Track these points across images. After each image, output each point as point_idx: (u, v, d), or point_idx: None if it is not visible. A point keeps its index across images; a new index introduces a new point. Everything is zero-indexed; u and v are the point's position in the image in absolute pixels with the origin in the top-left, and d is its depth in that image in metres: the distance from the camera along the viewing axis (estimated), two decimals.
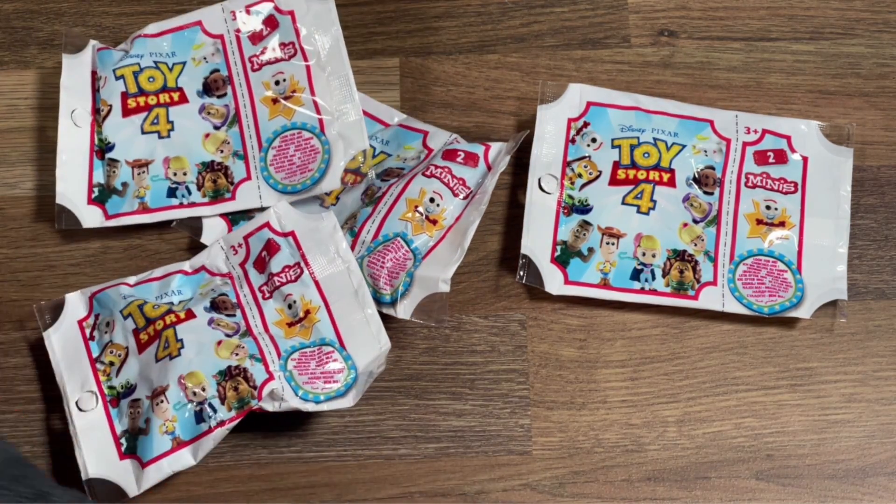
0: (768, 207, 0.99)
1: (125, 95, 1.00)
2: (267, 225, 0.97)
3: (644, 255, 0.98)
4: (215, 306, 0.95)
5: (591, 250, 0.98)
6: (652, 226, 0.98)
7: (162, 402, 0.92)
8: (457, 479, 0.95)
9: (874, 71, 1.03)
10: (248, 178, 1.00)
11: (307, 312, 0.95)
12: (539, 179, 0.99)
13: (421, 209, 0.97)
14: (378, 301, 0.95)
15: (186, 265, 0.98)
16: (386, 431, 0.96)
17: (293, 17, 1.01)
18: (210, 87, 1.01)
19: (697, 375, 0.97)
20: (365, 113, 1.01)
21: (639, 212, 0.99)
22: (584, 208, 0.99)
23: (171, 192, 0.99)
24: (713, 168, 1.00)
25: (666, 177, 1.00)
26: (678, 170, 1.00)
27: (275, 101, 1.00)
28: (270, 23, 1.02)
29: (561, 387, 0.97)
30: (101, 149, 1.00)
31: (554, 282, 0.97)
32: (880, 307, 0.99)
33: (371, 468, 0.95)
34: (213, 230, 0.99)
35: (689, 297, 0.97)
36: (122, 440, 0.93)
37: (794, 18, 1.05)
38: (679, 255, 0.98)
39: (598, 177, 1.00)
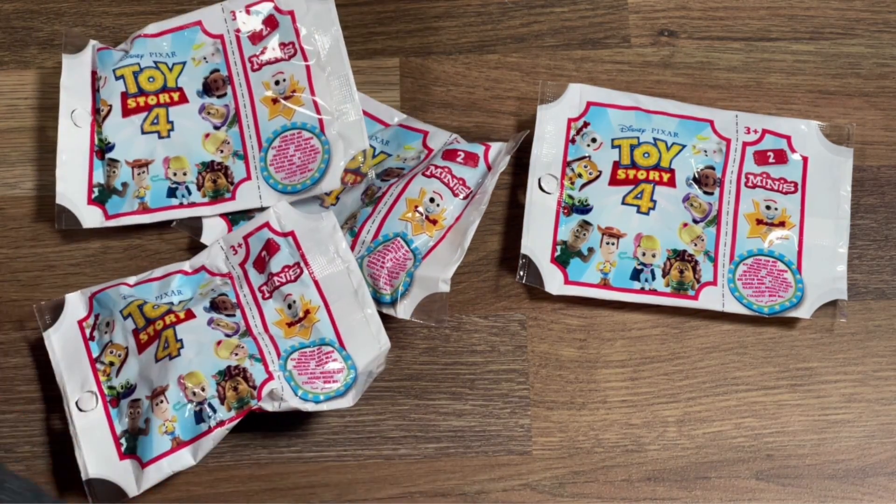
0: (768, 207, 0.99)
1: (125, 95, 1.00)
2: (267, 225, 0.97)
3: (644, 255, 0.98)
4: (215, 306, 0.95)
5: (591, 250, 0.98)
6: (652, 226, 0.98)
7: (162, 402, 0.92)
8: (457, 479, 0.95)
9: (874, 71, 1.03)
10: (248, 178, 1.00)
11: (307, 312, 0.95)
12: (539, 179, 0.99)
13: (421, 209, 0.97)
14: (378, 301, 0.95)
15: (186, 265, 0.98)
16: (386, 431, 0.96)
17: (293, 17, 1.01)
18: (210, 87, 1.01)
19: (697, 375, 0.97)
20: (365, 113, 1.01)
21: (639, 212, 0.99)
22: (584, 208, 0.99)
23: (171, 192, 0.99)
24: (713, 168, 1.00)
25: (666, 177, 1.00)
26: (678, 170, 1.00)
27: (275, 101, 1.00)
28: (270, 23, 1.02)
29: (561, 387, 0.97)
30: (101, 149, 1.00)
31: (554, 282, 0.97)
32: (880, 307, 0.99)
33: (371, 468, 0.95)
34: (213, 230, 0.99)
35: (689, 297, 0.97)
36: (122, 440, 0.93)
37: (794, 18, 1.05)
38: (679, 255, 0.98)
39: (598, 177, 1.00)
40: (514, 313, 0.98)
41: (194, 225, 0.99)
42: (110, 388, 0.94)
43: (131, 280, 0.97)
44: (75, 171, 0.99)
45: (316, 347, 0.94)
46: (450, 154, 0.99)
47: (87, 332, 0.96)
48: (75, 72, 1.01)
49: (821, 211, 0.99)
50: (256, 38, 1.02)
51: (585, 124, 1.01)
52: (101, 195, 0.99)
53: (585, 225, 0.99)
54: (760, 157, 1.00)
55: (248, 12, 1.02)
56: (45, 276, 0.99)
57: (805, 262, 0.98)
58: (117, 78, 1.00)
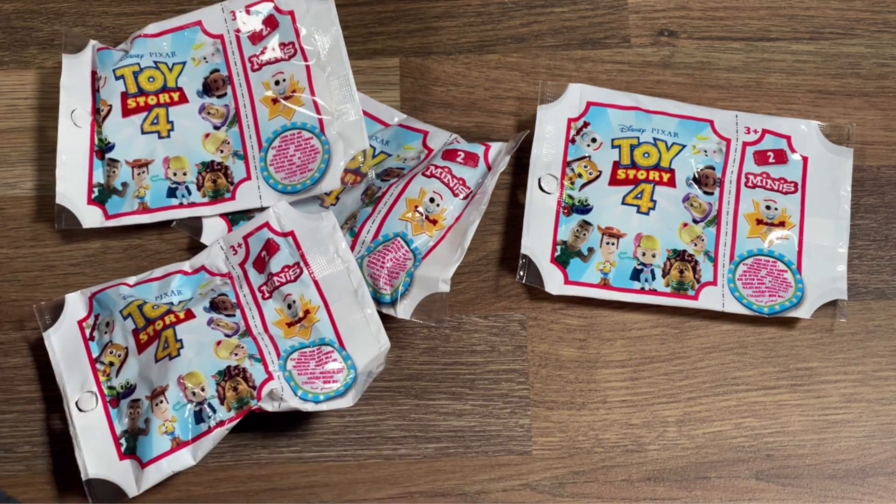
0: (768, 207, 0.99)
1: (125, 95, 1.00)
2: (266, 225, 0.97)
3: (644, 255, 0.98)
4: (215, 306, 0.95)
5: (591, 250, 0.98)
6: (652, 226, 0.98)
7: (161, 402, 0.92)
8: (457, 479, 0.95)
9: (874, 71, 1.03)
10: (248, 178, 1.00)
11: (307, 312, 0.95)
12: (539, 179, 0.99)
13: (421, 209, 0.97)
14: (378, 301, 0.95)
15: (186, 265, 0.98)
16: (386, 431, 0.96)
17: (293, 17, 1.01)
18: (210, 87, 1.01)
19: (697, 375, 0.97)
20: (365, 113, 1.01)
21: (639, 212, 0.99)
22: (584, 208, 0.99)
23: (171, 192, 0.99)
24: (713, 168, 1.00)
25: (666, 177, 1.00)
26: (678, 170, 1.00)
27: (275, 101, 1.00)
28: (270, 23, 1.02)
29: (561, 387, 0.97)
30: (101, 149, 1.00)
31: (554, 282, 0.97)
32: (880, 307, 0.99)
33: (371, 468, 0.95)
34: (213, 230, 0.99)
35: (689, 297, 0.97)
36: (122, 440, 0.93)
37: (794, 18, 1.05)
38: (679, 255, 0.98)
39: (598, 177, 1.00)
40: (514, 313, 0.98)
41: (194, 225, 0.99)
42: (110, 388, 0.94)
43: (131, 280, 0.97)
44: (75, 171, 0.99)
45: (316, 347, 0.94)
46: (450, 154, 0.99)
47: (87, 332, 0.96)
48: (75, 72, 1.01)
49: (821, 211, 0.99)
50: (256, 38, 1.02)
51: (585, 124, 1.01)
52: (101, 195, 0.99)
53: (585, 225, 0.99)
54: (760, 157, 1.00)
55: (248, 12, 1.02)
56: (45, 276, 0.99)
57: (805, 262, 0.98)
58: (117, 78, 1.00)
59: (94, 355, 0.95)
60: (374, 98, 1.03)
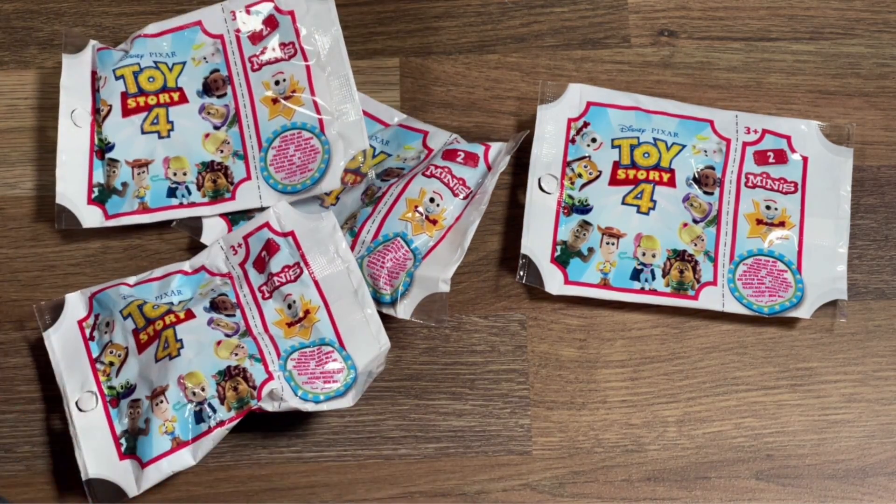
0: (768, 207, 0.99)
1: (125, 95, 1.00)
2: (266, 225, 0.97)
3: (644, 255, 0.98)
4: (215, 306, 0.95)
5: (591, 250, 0.98)
6: (652, 226, 0.98)
7: (161, 402, 0.92)
8: (457, 479, 0.95)
9: (874, 71, 1.03)
10: (248, 178, 1.00)
11: (307, 312, 0.95)
12: (539, 179, 0.99)
13: (421, 209, 0.97)
14: (378, 301, 0.95)
15: (186, 265, 0.98)
16: (386, 431, 0.96)
17: (293, 17, 1.01)
18: (210, 87, 1.01)
19: (697, 375, 0.97)
20: (365, 113, 1.01)
21: (639, 212, 0.99)
22: (584, 208, 0.99)
23: (171, 192, 0.99)
24: (713, 168, 1.00)
25: (666, 177, 1.00)
26: (678, 170, 1.00)
27: (275, 101, 1.00)
28: (270, 23, 1.02)
29: (561, 387, 0.97)
30: (101, 149, 1.00)
31: (554, 282, 0.97)
32: (880, 307, 0.99)
33: (371, 468, 0.95)
34: (213, 230, 0.99)
35: (689, 297, 0.97)
36: (122, 440, 0.93)
37: (794, 18, 1.05)
38: (679, 255, 0.98)
39: (598, 177, 1.00)
40: (514, 313, 0.98)
41: (194, 225, 0.99)
42: (110, 388, 0.94)
43: (131, 280, 0.97)
44: (75, 171, 0.99)
45: (316, 347, 0.94)
46: (450, 154, 0.99)
47: (87, 332, 0.96)
48: (75, 72, 1.01)
49: (821, 211, 0.99)
50: (256, 38, 1.02)
51: (585, 124, 1.01)
52: (101, 195, 0.99)
53: (585, 225, 0.99)
54: (760, 157, 1.00)
55: (248, 12, 1.02)
56: (45, 276, 0.99)
57: (805, 262, 0.98)
58: (117, 78, 1.00)
59: (94, 355, 0.95)
60: (374, 98, 1.03)
